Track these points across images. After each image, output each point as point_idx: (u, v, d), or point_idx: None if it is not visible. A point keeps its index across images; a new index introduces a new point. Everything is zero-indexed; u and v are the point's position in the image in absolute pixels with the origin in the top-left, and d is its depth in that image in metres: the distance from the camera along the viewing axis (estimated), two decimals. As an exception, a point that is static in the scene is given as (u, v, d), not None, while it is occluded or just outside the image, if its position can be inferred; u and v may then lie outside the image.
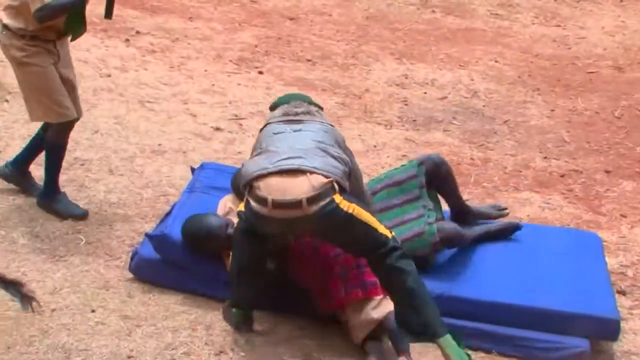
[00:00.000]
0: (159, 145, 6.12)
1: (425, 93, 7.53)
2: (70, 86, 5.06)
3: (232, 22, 8.93)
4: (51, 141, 5.09)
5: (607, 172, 6.36)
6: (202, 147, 6.19)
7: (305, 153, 3.88)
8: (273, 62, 7.97)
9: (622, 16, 9.86)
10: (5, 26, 4.87)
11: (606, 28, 9.45)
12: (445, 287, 4.33)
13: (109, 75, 7.16)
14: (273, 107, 4.44)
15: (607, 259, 4.90)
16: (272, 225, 3.89)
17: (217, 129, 6.53)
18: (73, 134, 5.39)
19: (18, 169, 5.33)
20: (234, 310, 4.25)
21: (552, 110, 7.40)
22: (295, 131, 4.04)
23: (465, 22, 9.51)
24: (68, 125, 5.06)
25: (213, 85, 7.33)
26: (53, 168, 5.13)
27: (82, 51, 7.39)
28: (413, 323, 3.90)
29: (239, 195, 4.41)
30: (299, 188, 3.79)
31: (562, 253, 4.79)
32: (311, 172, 3.81)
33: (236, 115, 6.79)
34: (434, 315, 3.90)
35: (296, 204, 3.78)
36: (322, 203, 3.79)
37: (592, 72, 8.28)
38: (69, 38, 5.04)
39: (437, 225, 4.45)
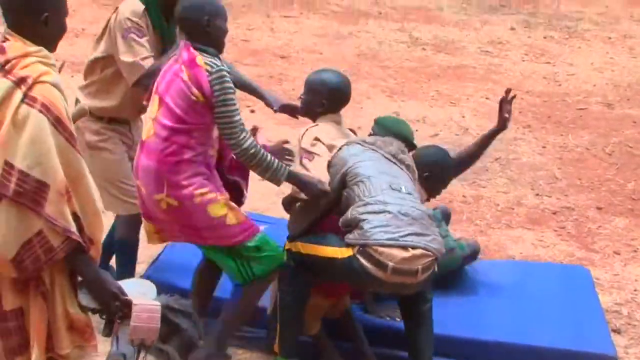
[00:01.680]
0: (152, 185, 6.13)
1: (416, 130, 7.54)
2: None
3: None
4: (119, 237, 4.56)
5: (599, 209, 6.37)
6: (195, 187, 6.19)
7: (425, 229, 3.98)
8: (265, 100, 8.00)
9: (611, 53, 9.95)
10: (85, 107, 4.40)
11: (595, 64, 9.53)
12: (437, 327, 4.31)
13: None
14: (380, 128, 4.46)
15: (601, 297, 4.90)
16: (380, 287, 4.01)
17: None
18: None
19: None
20: None
21: (544, 147, 7.43)
22: (408, 193, 4.07)
23: (456, 59, 9.58)
24: (138, 219, 4.40)
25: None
26: (123, 269, 4.56)
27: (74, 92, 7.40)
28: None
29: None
30: (417, 261, 3.90)
31: (553, 289, 4.79)
32: (430, 251, 3.95)
33: (229, 154, 6.79)
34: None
35: (413, 273, 3.90)
36: (429, 272, 3.97)
37: (582, 109, 8.34)
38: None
39: (463, 242, 4.77)
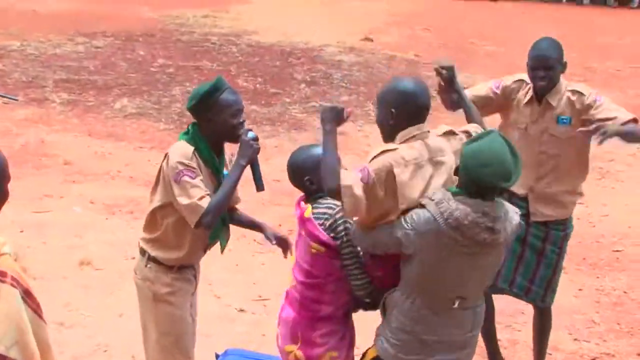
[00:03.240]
0: (183, 328, 6.06)
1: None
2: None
3: (258, 202, 9.01)
4: None
5: (640, 355, 6.22)
6: (226, 330, 6.12)
7: (461, 348, 3.87)
8: (297, 241, 7.98)
9: (645, 194, 9.88)
10: (153, 259, 4.44)
11: (630, 206, 9.43)
12: None
13: (134, 258, 7.16)
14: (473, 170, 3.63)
15: None
16: None
17: (241, 310, 6.47)
18: (95, 319, 5.36)
19: None
20: None
21: (580, 290, 7.30)
22: (461, 308, 3.75)
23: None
24: None
25: (237, 265, 7.31)
26: None
27: (108, 234, 7.45)
28: None
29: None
30: None
31: None
32: None
33: (260, 296, 6.74)
34: None
35: None
36: None
37: (618, 251, 8.21)
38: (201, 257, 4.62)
39: None
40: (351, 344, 4.02)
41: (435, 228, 3.60)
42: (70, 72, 12.57)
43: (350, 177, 3.70)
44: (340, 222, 3.78)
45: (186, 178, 4.16)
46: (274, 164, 9.95)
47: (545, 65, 5.18)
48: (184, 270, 4.47)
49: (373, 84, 12.93)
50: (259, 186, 4.42)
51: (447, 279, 3.69)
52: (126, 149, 9.92)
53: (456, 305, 3.74)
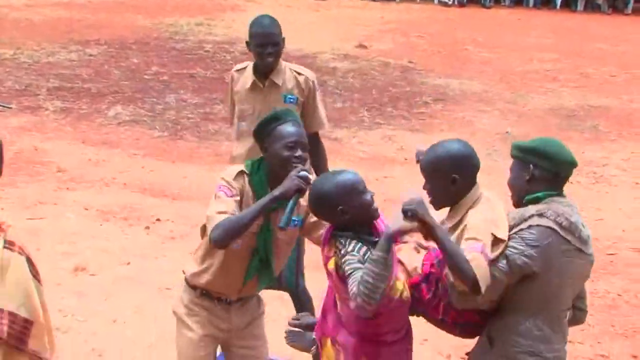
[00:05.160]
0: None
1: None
2: None
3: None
4: None
5: (635, 357, 6.21)
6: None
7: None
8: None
9: None
10: (184, 273, 4.34)
11: (623, 210, 9.46)
12: None
13: (129, 263, 7.17)
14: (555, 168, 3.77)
15: None
16: None
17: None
18: (89, 325, 5.31)
19: None
20: None
21: (575, 294, 7.30)
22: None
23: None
24: None
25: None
26: None
27: (102, 240, 7.45)
28: None
29: None
30: None
31: None
32: None
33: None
34: None
35: None
36: None
37: (612, 254, 8.22)
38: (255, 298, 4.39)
39: None
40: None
41: (555, 236, 3.65)
42: (64, 80, 12.57)
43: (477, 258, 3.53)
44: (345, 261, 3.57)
45: (220, 193, 4.06)
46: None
47: (273, 42, 5.39)
48: (208, 298, 4.27)
49: (367, 91, 12.96)
50: (283, 223, 3.98)
51: (565, 291, 3.72)
52: (120, 156, 9.91)
53: (567, 318, 3.80)
